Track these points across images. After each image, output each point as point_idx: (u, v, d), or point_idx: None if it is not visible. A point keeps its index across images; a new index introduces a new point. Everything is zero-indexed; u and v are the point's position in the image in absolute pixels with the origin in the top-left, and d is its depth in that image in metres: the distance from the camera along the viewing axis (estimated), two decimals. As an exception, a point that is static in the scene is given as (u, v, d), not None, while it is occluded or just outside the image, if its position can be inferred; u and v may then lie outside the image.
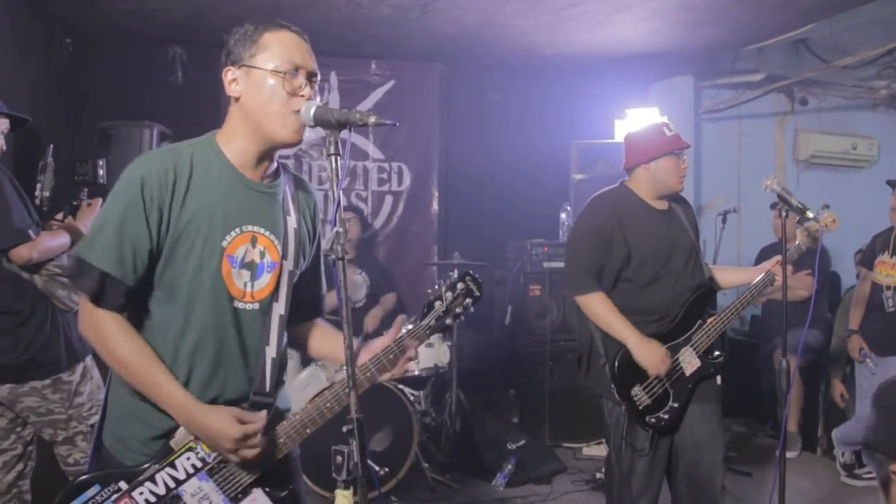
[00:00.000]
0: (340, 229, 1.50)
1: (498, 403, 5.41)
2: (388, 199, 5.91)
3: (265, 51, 1.68)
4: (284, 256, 1.77)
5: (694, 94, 6.20)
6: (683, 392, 2.81)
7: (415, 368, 4.40)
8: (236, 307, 1.72)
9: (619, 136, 5.77)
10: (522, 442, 4.54)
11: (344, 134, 1.55)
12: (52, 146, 3.28)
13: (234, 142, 1.74)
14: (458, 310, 1.86)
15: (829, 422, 5.02)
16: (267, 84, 1.67)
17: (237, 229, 1.70)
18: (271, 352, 1.76)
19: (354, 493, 1.53)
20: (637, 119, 5.59)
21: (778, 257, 2.88)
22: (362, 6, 4.61)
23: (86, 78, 5.13)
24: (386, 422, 3.97)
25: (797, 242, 2.93)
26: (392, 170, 5.91)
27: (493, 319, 5.63)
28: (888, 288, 4.11)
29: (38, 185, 3.19)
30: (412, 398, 4.21)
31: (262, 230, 1.74)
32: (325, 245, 1.53)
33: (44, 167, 3.22)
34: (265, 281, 1.75)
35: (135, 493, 1.66)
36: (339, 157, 1.53)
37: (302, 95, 1.68)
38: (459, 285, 1.87)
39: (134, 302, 1.68)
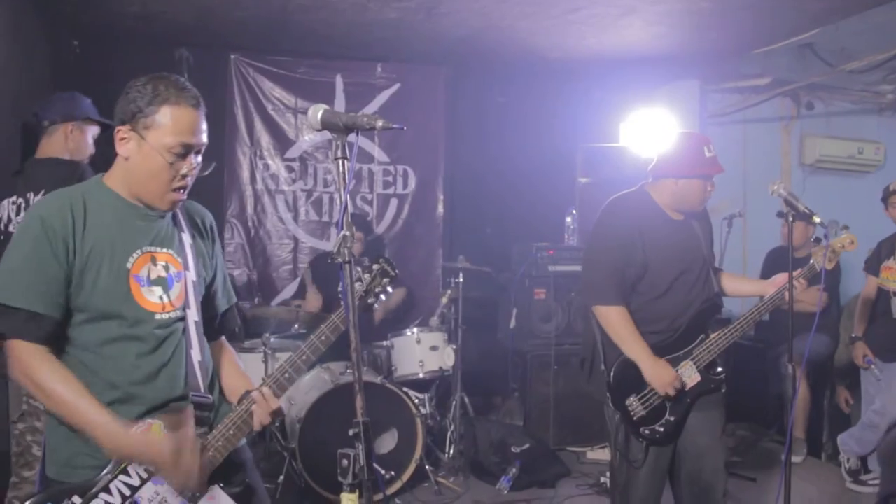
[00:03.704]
0: (347, 233, 1.49)
1: (502, 407, 5.40)
2: (394, 202, 5.91)
3: (159, 126, 1.73)
4: (186, 267, 1.87)
5: (700, 98, 6.17)
6: (681, 406, 2.78)
7: (419, 371, 4.41)
8: (158, 318, 1.80)
9: (624, 140, 5.76)
10: (527, 445, 4.51)
11: (351, 137, 1.55)
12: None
13: (122, 188, 1.82)
14: (377, 289, 2.02)
15: (835, 427, 5.00)
16: (155, 160, 1.73)
17: (138, 251, 1.80)
18: (197, 355, 1.87)
19: (360, 497, 1.53)
20: (643, 123, 5.60)
21: (786, 275, 2.80)
22: (368, 9, 4.61)
23: (92, 79, 5.13)
24: (391, 425, 3.98)
25: (812, 262, 2.83)
26: (397, 173, 5.91)
27: (497, 323, 5.63)
28: (895, 294, 4.08)
29: None
30: (417, 401, 4.20)
31: (159, 249, 1.84)
32: (331, 248, 1.52)
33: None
34: (178, 290, 1.85)
35: None
36: (346, 161, 1.53)
37: (184, 175, 1.77)
38: (375, 266, 2.03)
39: (56, 331, 1.73)
